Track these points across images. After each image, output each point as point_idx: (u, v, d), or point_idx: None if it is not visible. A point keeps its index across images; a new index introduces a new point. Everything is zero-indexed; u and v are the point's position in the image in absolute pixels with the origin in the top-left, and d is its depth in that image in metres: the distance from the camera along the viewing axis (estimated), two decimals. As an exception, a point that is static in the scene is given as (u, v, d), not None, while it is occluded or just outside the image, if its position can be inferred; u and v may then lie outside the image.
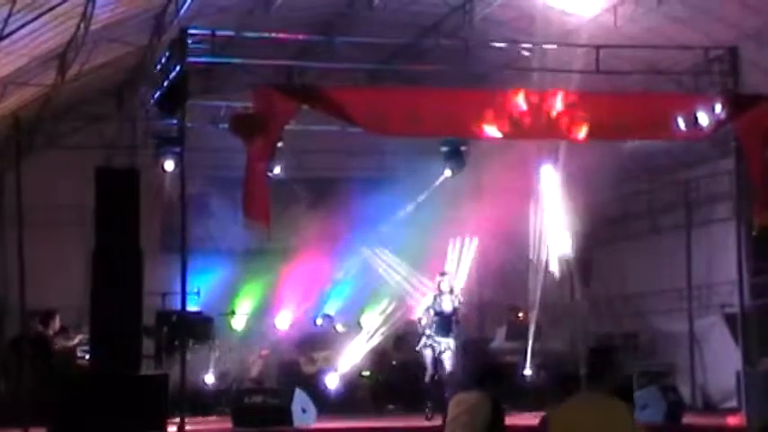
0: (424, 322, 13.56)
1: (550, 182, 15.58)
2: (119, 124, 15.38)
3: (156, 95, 13.11)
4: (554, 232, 15.27)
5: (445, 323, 13.51)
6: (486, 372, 8.46)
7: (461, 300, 13.83)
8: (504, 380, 8.25)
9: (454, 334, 13.61)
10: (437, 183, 15.97)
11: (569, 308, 15.64)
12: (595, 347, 7.19)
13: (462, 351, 14.65)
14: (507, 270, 15.84)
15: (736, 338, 13.16)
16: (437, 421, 10.72)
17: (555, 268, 15.20)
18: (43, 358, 13.11)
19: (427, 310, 13.60)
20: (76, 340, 13.88)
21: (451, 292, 13.71)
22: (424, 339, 13.50)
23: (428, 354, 13.43)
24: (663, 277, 14.81)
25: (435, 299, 13.62)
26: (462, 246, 16.11)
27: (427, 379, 13.39)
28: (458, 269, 15.97)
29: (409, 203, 16.09)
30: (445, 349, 13.42)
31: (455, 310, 13.62)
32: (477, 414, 7.74)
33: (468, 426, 7.79)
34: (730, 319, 13.61)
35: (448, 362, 13.35)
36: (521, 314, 15.96)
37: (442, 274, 13.95)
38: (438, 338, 13.44)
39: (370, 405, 14.87)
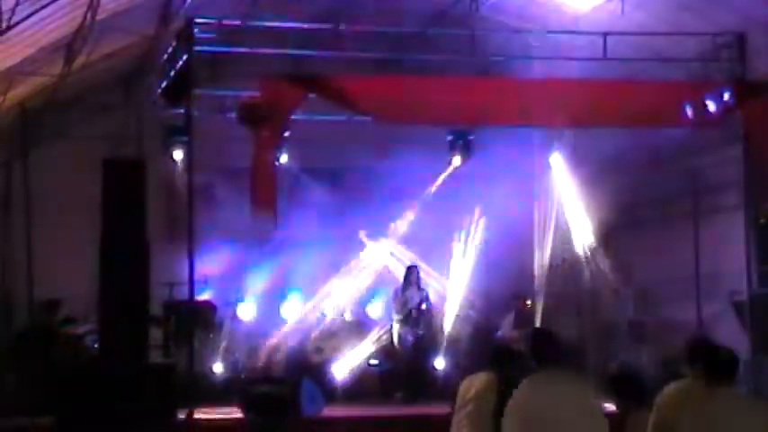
0: (397, 316, 13.71)
1: (559, 170, 15.54)
2: (126, 114, 15.32)
3: (163, 85, 13.11)
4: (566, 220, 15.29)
5: (413, 317, 13.65)
6: (497, 352, 8.43)
7: (428, 294, 13.95)
8: (517, 359, 8.18)
9: (422, 327, 13.78)
10: (446, 172, 15.93)
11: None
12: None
13: (472, 337, 14.74)
14: (513, 258, 15.76)
15: (745, 326, 13.09)
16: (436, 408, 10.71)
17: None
18: (50, 348, 13.07)
19: (397, 303, 13.77)
20: (83, 330, 13.82)
21: (419, 286, 13.75)
22: (396, 329, 13.69)
23: (401, 344, 13.70)
24: (670, 265, 14.69)
25: (404, 292, 13.69)
26: (468, 234, 16.12)
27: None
28: (464, 258, 15.98)
29: (418, 193, 16.02)
30: (416, 340, 13.53)
31: (421, 303, 13.72)
32: (484, 402, 7.71)
33: (474, 414, 7.82)
34: (739, 308, 13.49)
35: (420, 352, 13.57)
36: (528, 302, 15.95)
37: (411, 267, 13.87)
38: (407, 330, 13.62)
39: (378, 394, 14.79)
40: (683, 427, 6.16)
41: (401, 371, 14.43)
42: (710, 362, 6.29)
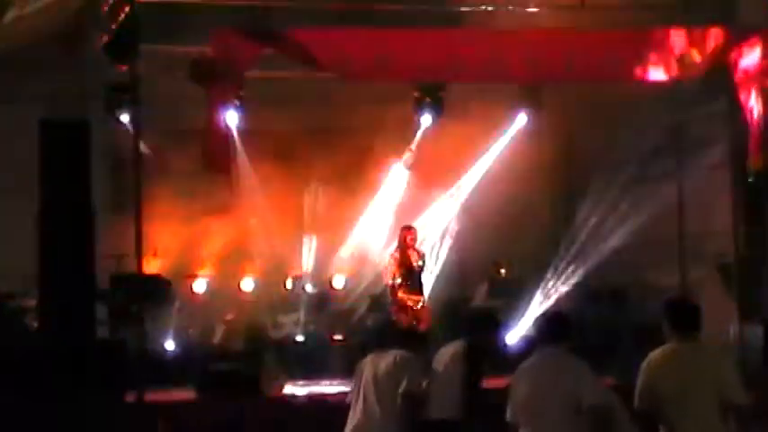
0: (394, 282, 13.50)
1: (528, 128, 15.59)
2: (66, 72, 15.05)
3: (105, 40, 12.74)
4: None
5: (415, 280, 13.49)
6: (468, 319, 8.64)
7: (425, 256, 13.81)
8: (494, 324, 8.37)
9: (425, 290, 13.61)
10: (418, 134, 15.87)
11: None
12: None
13: (443, 309, 14.74)
14: (488, 223, 15.74)
15: (732, 289, 13.22)
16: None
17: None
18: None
19: (394, 270, 13.50)
20: (25, 307, 13.66)
21: (415, 247, 13.63)
22: (398, 302, 13.43)
23: (403, 318, 13.30)
24: (652, 227, 14.67)
25: (401, 256, 13.54)
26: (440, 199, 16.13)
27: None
28: (436, 223, 16.01)
29: (385, 155, 16.01)
30: (419, 307, 13.40)
31: (422, 266, 13.60)
32: (452, 371, 7.96)
33: (443, 385, 7.97)
34: (726, 270, 13.58)
35: (423, 320, 13.33)
36: (503, 270, 15.98)
37: (408, 228, 13.83)
38: (411, 297, 13.41)
39: (344, 370, 14.70)
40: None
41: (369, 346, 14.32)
42: None
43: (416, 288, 13.47)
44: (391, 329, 8.51)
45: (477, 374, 7.98)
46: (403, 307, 13.34)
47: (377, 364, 7.90)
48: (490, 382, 8.39)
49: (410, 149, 15.97)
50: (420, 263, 13.53)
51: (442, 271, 15.72)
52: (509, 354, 12.42)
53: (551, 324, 7.01)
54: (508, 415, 6.82)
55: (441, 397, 7.93)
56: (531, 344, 7.20)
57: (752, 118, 12.57)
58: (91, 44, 13.87)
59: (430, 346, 10.68)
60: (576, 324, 14.38)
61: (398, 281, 13.45)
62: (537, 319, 7.21)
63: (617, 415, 6.79)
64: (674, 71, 12.43)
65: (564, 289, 15.39)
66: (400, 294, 13.41)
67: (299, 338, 15.17)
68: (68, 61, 15.09)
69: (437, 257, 15.78)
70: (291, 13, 13.19)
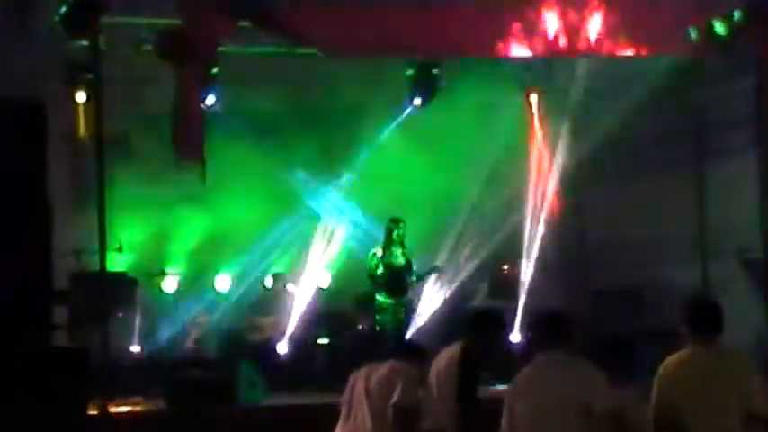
0: (374, 281, 13.41)
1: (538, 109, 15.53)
2: (19, 47, 14.75)
3: (63, 11, 12.67)
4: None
5: (399, 280, 13.31)
6: (468, 318, 8.60)
7: (409, 253, 13.61)
8: (496, 323, 8.23)
9: (412, 292, 13.54)
10: (404, 114, 15.78)
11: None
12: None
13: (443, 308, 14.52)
14: (491, 216, 15.61)
15: (759, 288, 13.07)
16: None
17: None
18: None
19: (376, 266, 13.37)
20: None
21: (402, 243, 13.41)
22: (377, 303, 13.42)
23: (389, 321, 13.36)
24: (671, 219, 14.61)
25: (384, 251, 13.34)
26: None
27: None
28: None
29: (370, 140, 15.86)
30: (404, 309, 13.35)
31: (408, 263, 13.41)
32: (445, 381, 7.82)
33: (438, 396, 7.84)
34: (752, 266, 13.42)
35: (410, 325, 13.40)
36: (506, 267, 15.77)
37: (394, 221, 13.55)
38: (393, 299, 13.32)
39: (329, 378, 14.44)
40: None
41: (357, 351, 14.07)
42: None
43: (399, 289, 13.32)
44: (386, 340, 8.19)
45: (472, 381, 7.82)
46: (383, 310, 13.31)
47: (370, 376, 7.94)
48: (492, 391, 8.56)
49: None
50: (404, 262, 13.35)
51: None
52: (512, 356, 12.22)
53: (550, 325, 6.80)
54: (503, 426, 6.67)
55: (435, 406, 7.81)
56: (531, 346, 7.03)
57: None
58: (46, 15, 13.59)
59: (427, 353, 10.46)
60: (583, 326, 14.31)
61: (379, 280, 13.33)
62: (534, 321, 7.10)
63: (631, 421, 6.64)
64: (696, 46, 12.37)
65: (571, 288, 15.22)
66: (380, 297, 13.34)
67: (280, 346, 14.93)
68: (23, 34, 14.82)
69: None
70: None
